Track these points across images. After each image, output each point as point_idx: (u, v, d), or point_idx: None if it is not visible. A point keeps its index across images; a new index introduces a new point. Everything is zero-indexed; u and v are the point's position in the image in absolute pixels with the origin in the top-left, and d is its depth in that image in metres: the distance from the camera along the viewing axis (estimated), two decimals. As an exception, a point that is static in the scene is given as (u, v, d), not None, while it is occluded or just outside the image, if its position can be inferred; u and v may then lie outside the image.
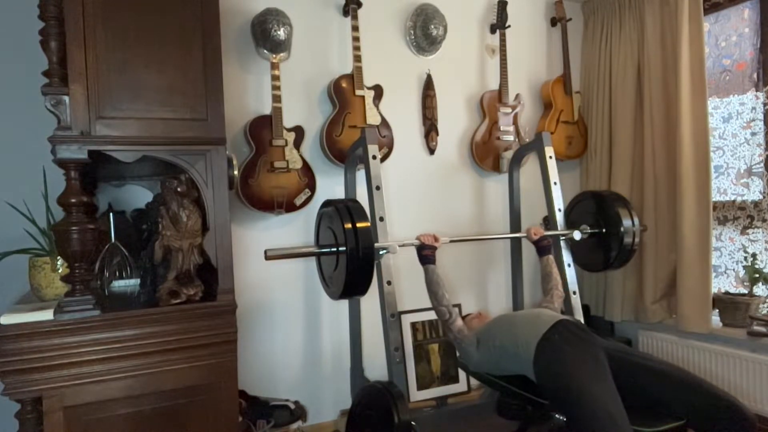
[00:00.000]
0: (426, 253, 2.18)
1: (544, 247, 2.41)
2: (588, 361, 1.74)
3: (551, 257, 2.40)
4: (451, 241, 2.34)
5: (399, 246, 2.15)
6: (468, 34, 3.07)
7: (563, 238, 2.52)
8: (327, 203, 2.08)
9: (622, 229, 2.44)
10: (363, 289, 1.97)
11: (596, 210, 2.57)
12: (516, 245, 2.95)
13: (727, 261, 2.86)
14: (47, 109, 1.53)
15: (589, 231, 2.54)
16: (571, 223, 2.63)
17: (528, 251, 3.17)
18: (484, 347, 2.00)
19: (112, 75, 1.58)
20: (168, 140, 1.65)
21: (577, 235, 2.49)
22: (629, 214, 2.47)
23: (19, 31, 2.06)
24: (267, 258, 1.89)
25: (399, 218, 2.84)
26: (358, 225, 1.89)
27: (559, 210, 2.56)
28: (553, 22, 3.29)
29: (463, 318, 2.42)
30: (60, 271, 1.72)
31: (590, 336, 1.89)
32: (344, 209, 1.93)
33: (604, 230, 2.52)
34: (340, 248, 1.91)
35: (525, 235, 2.47)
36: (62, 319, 1.51)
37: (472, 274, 3.12)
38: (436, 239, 2.22)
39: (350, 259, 1.87)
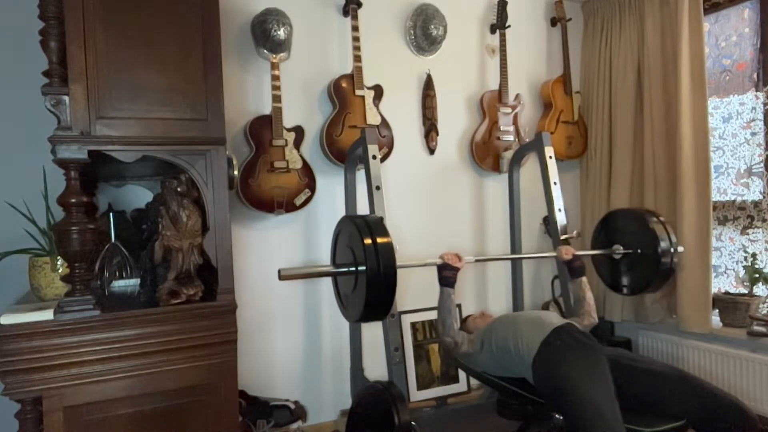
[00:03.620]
0: (447, 275, 2.02)
1: (576, 269, 2.22)
2: (586, 364, 1.74)
3: (584, 280, 2.21)
4: (477, 261, 2.15)
5: (420, 266, 2.05)
6: (468, 34, 3.07)
7: (563, 238, 2.51)
8: (344, 219, 1.94)
9: (659, 249, 2.20)
10: (384, 312, 1.81)
11: (630, 228, 2.35)
12: (516, 244, 2.94)
13: (727, 261, 2.86)
14: (47, 109, 1.53)
15: (623, 251, 2.35)
16: (602, 243, 2.46)
17: (528, 251, 3.18)
18: (487, 348, 2.00)
19: (112, 75, 1.58)
20: (168, 140, 1.65)
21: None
22: (666, 232, 2.24)
23: (19, 31, 2.06)
24: (281, 278, 1.78)
25: (399, 218, 2.84)
26: (379, 240, 1.73)
27: (559, 210, 2.55)
28: (553, 22, 3.29)
29: (465, 318, 2.42)
30: (60, 271, 1.72)
31: (592, 341, 1.89)
32: (363, 224, 1.79)
33: (639, 251, 2.30)
34: (359, 267, 1.75)
35: (555, 255, 2.29)
36: (62, 319, 1.51)
37: (472, 273, 3.12)
38: (459, 259, 2.05)
39: (370, 278, 1.70)
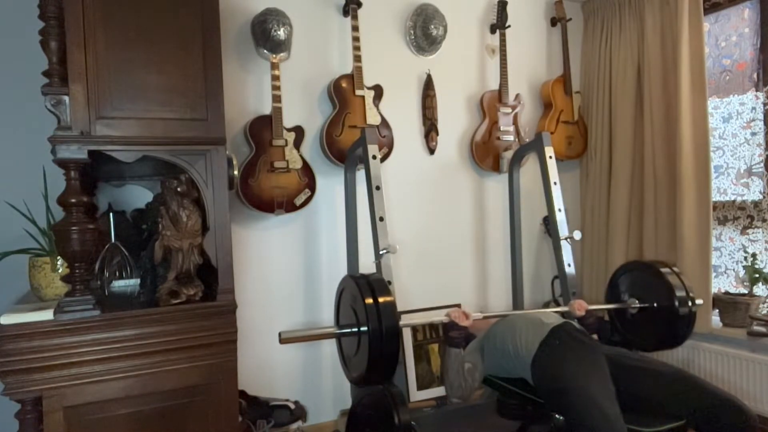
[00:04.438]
0: (454, 335, 1.94)
1: (589, 327, 2.10)
2: (585, 364, 1.74)
3: (595, 338, 2.09)
4: (485, 317, 2.09)
5: (427, 323, 2.01)
6: (468, 34, 3.07)
7: (563, 238, 2.50)
8: (346, 278, 1.89)
9: (675, 302, 2.08)
10: (388, 374, 1.75)
11: (644, 282, 2.25)
12: (516, 243, 2.94)
13: (727, 261, 2.86)
14: (47, 109, 1.53)
15: (638, 306, 2.23)
16: (616, 297, 2.34)
17: (528, 251, 3.19)
18: (487, 351, 2.00)
19: (112, 75, 1.58)
20: (168, 140, 1.65)
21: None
22: (681, 284, 2.13)
23: (19, 31, 2.06)
24: (281, 342, 1.73)
25: (399, 218, 2.84)
26: (381, 300, 1.69)
27: (559, 210, 2.55)
28: (553, 22, 3.29)
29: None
30: (60, 271, 1.72)
31: (590, 340, 1.89)
32: (365, 284, 1.75)
33: (655, 304, 2.19)
34: (362, 328, 1.71)
35: (567, 309, 2.19)
36: (62, 319, 1.51)
37: (473, 273, 3.12)
38: (466, 316, 1.97)
39: (372, 339, 1.66)
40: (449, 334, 1.96)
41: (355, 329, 1.75)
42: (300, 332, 1.86)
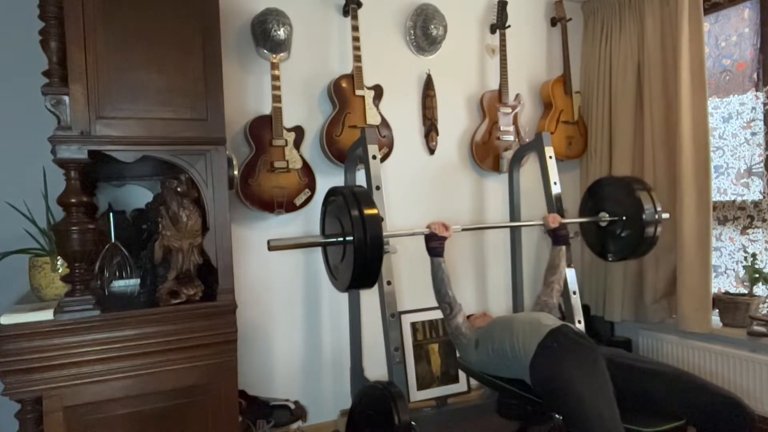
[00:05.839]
0: (434, 245, 2.06)
1: (561, 237, 2.29)
2: (583, 366, 1.74)
3: (564, 249, 2.28)
4: (464, 230, 2.22)
5: (408, 235, 2.10)
6: (468, 34, 3.07)
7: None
8: (332, 191, 1.95)
9: (643, 216, 2.27)
10: (372, 281, 1.85)
11: (616, 196, 2.41)
12: (516, 244, 2.95)
13: (727, 261, 2.86)
14: (47, 109, 1.53)
15: (608, 218, 2.42)
16: (589, 211, 2.52)
17: (528, 251, 3.19)
18: (483, 348, 2.00)
19: (112, 75, 1.58)
20: (168, 140, 1.65)
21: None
22: (651, 200, 2.29)
23: (19, 31, 2.06)
24: (270, 249, 1.79)
25: (399, 218, 2.84)
26: (366, 212, 1.76)
27: (559, 210, 2.55)
28: (553, 22, 3.29)
29: (467, 318, 2.42)
30: (60, 271, 1.72)
31: (588, 342, 1.89)
32: (351, 195, 1.81)
33: (624, 218, 2.37)
34: (347, 237, 1.79)
35: (542, 223, 2.36)
36: (62, 319, 1.51)
37: (472, 273, 3.12)
38: (446, 228, 2.07)
39: (358, 248, 1.74)
40: (429, 244, 2.07)
41: (341, 239, 1.83)
42: (288, 240, 1.93)
